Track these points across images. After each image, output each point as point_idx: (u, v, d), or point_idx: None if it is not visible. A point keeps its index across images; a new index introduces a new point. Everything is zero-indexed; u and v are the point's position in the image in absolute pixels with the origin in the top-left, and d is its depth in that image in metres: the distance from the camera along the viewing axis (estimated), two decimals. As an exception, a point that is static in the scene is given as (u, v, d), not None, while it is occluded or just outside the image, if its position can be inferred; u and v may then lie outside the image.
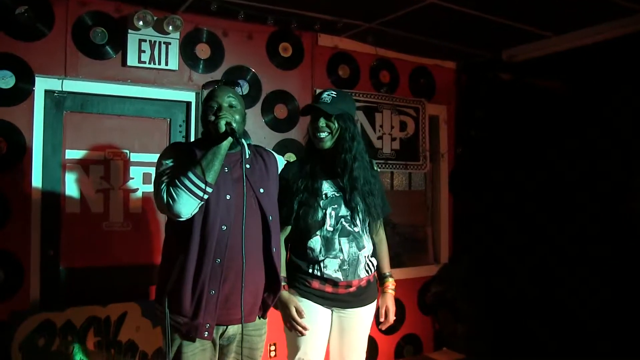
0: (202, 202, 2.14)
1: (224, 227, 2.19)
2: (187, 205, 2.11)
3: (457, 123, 4.84)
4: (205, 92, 2.42)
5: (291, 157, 3.94)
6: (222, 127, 2.18)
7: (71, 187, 3.40)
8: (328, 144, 2.49)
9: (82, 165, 3.43)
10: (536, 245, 4.26)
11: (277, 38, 4.01)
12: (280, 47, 4.03)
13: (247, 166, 2.33)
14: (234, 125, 2.22)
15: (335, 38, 4.21)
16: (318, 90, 3.99)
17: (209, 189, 2.12)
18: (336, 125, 2.48)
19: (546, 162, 4.23)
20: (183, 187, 2.09)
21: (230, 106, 2.29)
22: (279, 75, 4.02)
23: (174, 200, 2.10)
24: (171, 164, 2.22)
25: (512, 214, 4.41)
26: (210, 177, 2.12)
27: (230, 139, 2.19)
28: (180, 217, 2.13)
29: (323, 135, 2.48)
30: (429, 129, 4.70)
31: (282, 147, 3.96)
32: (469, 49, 4.42)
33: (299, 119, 4.04)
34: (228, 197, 2.22)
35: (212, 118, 2.24)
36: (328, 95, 2.51)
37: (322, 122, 2.47)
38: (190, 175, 2.10)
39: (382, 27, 3.97)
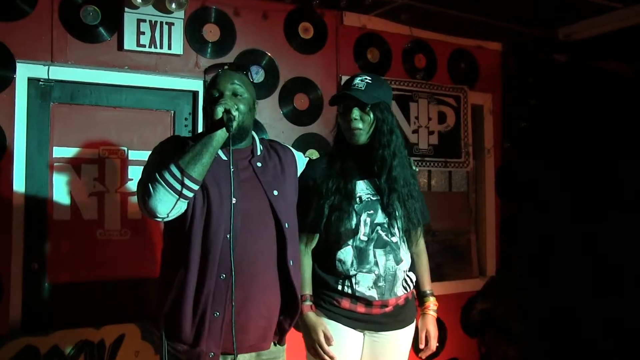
0: (184, 201, 1.99)
1: (229, 236, 2.04)
2: (163, 202, 1.95)
3: (504, 114, 4.64)
4: (208, 79, 2.31)
5: (313, 154, 3.76)
6: (219, 113, 2.04)
7: (60, 190, 3.26)
8: (362, 138, 2.35)
9: (73, 165, 3.30)
10: (598, 254, 4.04)
11: (296, 17, 3.83)
12: (300, 28, 3.84)
13: (258, 164, 2.23)
14: (234, 113, 2.07)
15: (363, 17, 4.01)
16: (344, 77, 3.83)
17: (191, 184, 1.97)
18: (372, 116, 2.33)
19: (610, 159, 4.00)
20: (161, 180, 1.95)
21: (235, 94, 2.15)
22: (298, 60, 3.84)
23: (149, 195, 1.96)
24: (158, 159, 2.09)
25: (570, 218, 4.20)
26: (196, 171, 1.97)
27: (225, 129, 2.06)
28: (157, 216, 1.99)
29: (357, 128, 2.33)
30: (472, 121, 4.51)
31: (303, 143, 3.78)
32: (517, 26, 4.19)
33: (322, 110, 3.86)
34: (234, 201, 2.06)
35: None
36: (361, 80, 2.35)
37: (355, 113, 2.32)
38: (171, 167, 1.96)
39: (417, 3, 3.74)
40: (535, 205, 4.45)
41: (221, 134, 2.04)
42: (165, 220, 2.02)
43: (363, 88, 2.32)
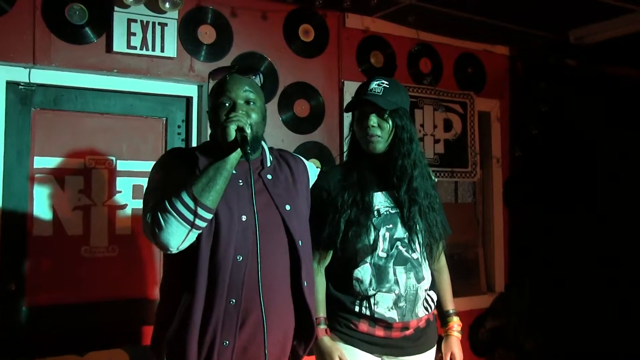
0: (198, 232, 1.91)
1: (240, 257, 1.97)
2: (176, 235, 1.87)
3: (513, 120, 4.64)
4: (213, 83, 2.21)
5: (315, 163, 3.70)
6: (232, 133, 1.95)
7: (41, 203, 3.18)
8: (380, 146, 2.30)
9: (56, 177, 3.22)
10: (614, 267, 4.00)
11: (296, 18, 3.77)
12: (300, 30, 3.78)
13: (269, 176, 2.15)
14: (248, 130, 1.98)
15: (366, 19, 3.96)
16: (347, 82, 3.80)
17: (205, 214, 1.90)
18: (390, 123, 2.29)
19: (625, 168, 3.96)
20: (173, 211, 1.86)
21: (247, 102, 2.07)
22: (299, 63, 3.78)
23: (160, 227, 1.87)
24: (163, 179, 2.03)
25: (584, 230, 4.15)
26: (210, 199, 1.89)
27: (240, 150, 1.98)
28: (170, 249, 1.91)
29: (375, 135, 2.28)
30: (479, 128, 4.48)
31: (303, 152, 3.69)
32: (526, 29, 4.12)
33: (324, 118, 3.82)
34: (244, 218, 2.00)
35: (224, 119, 2.03)
36: (378, 85, 2.31)
37: (373, 120, 2.27)
38: (184, 195, 1.87)
39: (422, 4, 3.67)
40: (545, 216, 4.43)
41: (235, 156, 1.96)
42: (176, 252, 1.93)
43: (380, 93, 2.27)
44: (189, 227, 1.87)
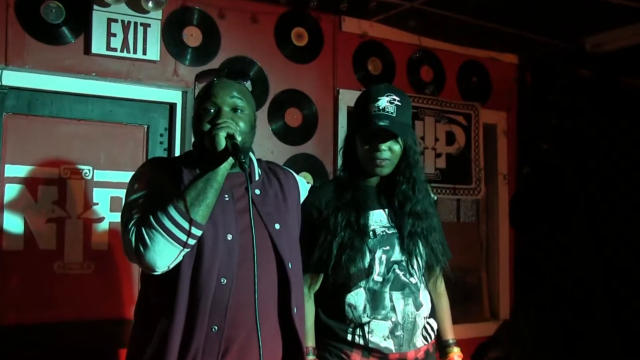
0: (187, 250, 1.90)
1: (224, 280, 1.94)
2: (164, 254, 1.85)
3: (521, 134, 4.65)
4: (199, 88, 2.20)
5: (306, 177, 3.73)
6: (222, 141, 1.93)
7: (11, 215, 3.17)
8: (388, 170, 2.31)
9: (28, 186, 3.22)
10: (628, 289, 4.02)
11: (289, 21, 3.82)
12: (293, 34, 3.83)
13: (257, 191, 2.13)
14: (239, 138, 1.97)
15: (363, 22, 4.01)
16: (342, 90, 3.83)
17: (196, 231, 1.89)
18: (401, 146, 2.30)
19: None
20: (160, 228, 1.84)
21: (235, 109, 2.05)
22: (291, 70, 3.82)
23: (145, 246, 1.84)
24: (145, 191, 2.00)
25: (596, 252, 4.18)
26: (200, 214, 1.89)
27: (231, 159, 1.97)
28: (155, 270, 1.88)
29: (385, 159, 2.28)
30: (484, 142, 4.50)
31: (294, 164, 3.72)
32: (536, 35, 4.16)
33: (316, 128, 3.84)
34: (230, 237, 1.99)
35: (208, 127, 2.01)
36: (390, 103, 2.28)
37: (386, 145, 2.26)
38: (172, 211, 1.86)
39: (424, 7, 3.71)
40: (555, 237, 4.43)
41: (226, 166, 1.96)
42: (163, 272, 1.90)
43: (394, 114, 2.24)
44: (177, 245, 1.85)
